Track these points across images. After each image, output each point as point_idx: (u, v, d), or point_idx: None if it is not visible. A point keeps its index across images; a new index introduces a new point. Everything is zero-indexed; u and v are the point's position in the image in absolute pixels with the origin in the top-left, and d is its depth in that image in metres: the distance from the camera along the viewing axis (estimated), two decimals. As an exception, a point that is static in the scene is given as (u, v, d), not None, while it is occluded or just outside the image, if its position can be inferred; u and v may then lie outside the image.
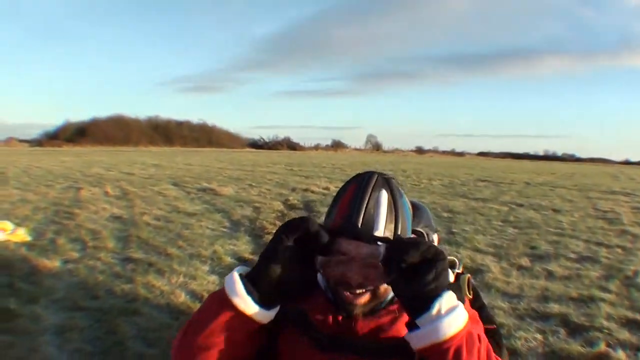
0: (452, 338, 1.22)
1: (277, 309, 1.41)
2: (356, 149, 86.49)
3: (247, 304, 1.34)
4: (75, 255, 6.35)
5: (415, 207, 2.03)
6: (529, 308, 5.05)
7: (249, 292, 1.34)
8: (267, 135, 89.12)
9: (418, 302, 1.26)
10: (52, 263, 5.86)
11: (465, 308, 1.31)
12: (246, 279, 1.37)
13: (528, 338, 4.32)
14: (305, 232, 1.35)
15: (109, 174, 18.12)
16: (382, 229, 1.41)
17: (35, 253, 6.36)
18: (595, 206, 13.27)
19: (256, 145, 78.35)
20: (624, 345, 4.21)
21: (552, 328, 4.57)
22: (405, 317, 1.39)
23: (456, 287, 1.38)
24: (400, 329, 1.43)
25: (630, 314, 4.92)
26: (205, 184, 15.18)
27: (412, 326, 1.28)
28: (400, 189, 1.51)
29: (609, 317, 4.84)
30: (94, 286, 5.11)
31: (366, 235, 1.39)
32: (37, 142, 56.09)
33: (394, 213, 1.45)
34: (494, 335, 1.89)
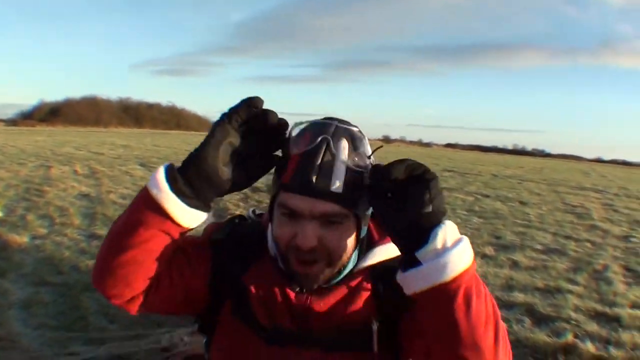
0: (460, 276, 1.03)
1: (207, 213, 1.27)
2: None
3: (177, 205, 1.18)
4: (43, 231, 6.45)
5: None
6: (493, 296, 4.82)
7: (169, 180, 1.18)
8: None
9: (416, 232, 1.06)
10: (22, 239, 5.95)
11: None
12: (176, 170, 1.20)
13: None
14: (252, 115, 1.19)
15: (79, 154, 18.24)
16: (340, 184, 1.18)
17: (6, 229, 6.45)
18: (564, 200, 13.27)
19: None
20: (592, 337, 4.11)
21: (516, 317, 4.46)
22: (364, 295, 1.28)
23: None
24: (364, 311, 1.28)
25: (599, 307, 4.83)
26: None
27: (409, 264, 1.08)
28: (364, 139, 1.26)
29: (577, 309, 4.74)
30: (60, 262, 5.22)
31: (321, 191, 1.17)
32: (12, 122, 55.68)
33: (355, 168, 1.20)
34: None
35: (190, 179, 1.19)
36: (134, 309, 1.29)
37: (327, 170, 1.17)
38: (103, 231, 6.44)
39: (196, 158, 1.19)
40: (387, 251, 1.33)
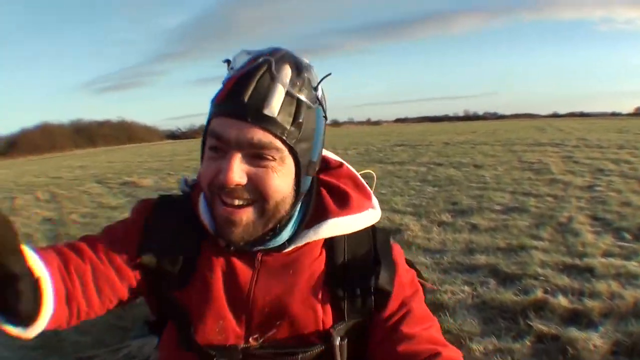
0: None
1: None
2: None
3: None
4: None
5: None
6: (453, 262, 4.90)
7: None
8: (183, 125, 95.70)
9: None
10: None
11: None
12: None
13: (455, 291, 4.15)
14: None
15: (39, 180, 18.83)
16: (277, 109, 1.08)
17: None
18: (521, 159, 13.43)
19: (174, 136, 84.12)
20: (564, 290, 4.03)
21: (480, 279, 4.40)
22: (319, 280, 1.23)
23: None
24: (320, 309, 1.22)
25: (568, 260, 4.77)
26: (126, 178, 15.90)
27: None
28: (312, 69, 1.16)
29: (544, 265, 4.67)
30: None
31: (253, 113, 1.07)
32: None
33: (296, 95, 1.10)
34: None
35: None
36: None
37: (262, 90, 1.08)
38: None
39: None
40: (348, 226, 1.27)
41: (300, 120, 1.10)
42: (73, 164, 27.33)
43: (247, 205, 1.12)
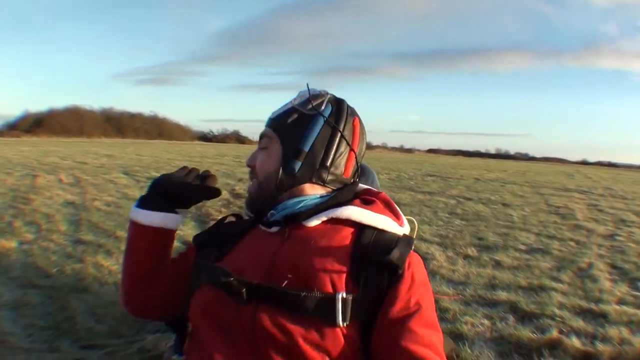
0: None
1: (176, 215, 1.62)
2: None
3: (137, 212, 1.58)
4: (30, 237, 6.67)
5: (362, 167, 1.94)
6: (475, 295, 4.96)
7: (140, 199, 1.61)
8: (216, 128, 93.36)
9: None
10: (9, 244, 6.15)
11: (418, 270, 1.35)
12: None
13: (475, 323, 4.20)
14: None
15: (64, 163, 18.75)
16: (278, 115, 1.51)
17: (-6, 235, 6.78)
18: (548, 202, 13.36)
19: (205, 138, 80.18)
20: (578, 333, 4.10)
21: (500, 314, 4.46)
22: (342, 241, 1.36)
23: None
24: (337, 264, 1.31)
25: (584, 304, 4.83)
26: (154, 173, 15.55)
27: None
28: (325, 98, 1.52)
29: (562, 306, 4.74)
30: (47, 265, 5.36)
31: (268, 119, 1.52)
32: None
33: (298, 109, 1.49)
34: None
35: (148, 195, 1.60)
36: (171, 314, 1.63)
37: (281, 107, 1.50)
38: (88, 237, 6.73)
39: (156, 180, 1.63)
40: (368, 216, 1.41)
41: (294, 124, 1.45)
42: (100, 152, 27.37)
43: (254, 179, 1.51)
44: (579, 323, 4.30)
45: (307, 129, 1.43)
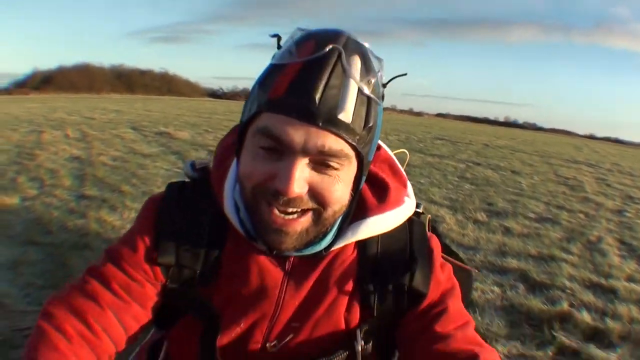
0: None
1: None
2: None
3: None
4: (33, 192, 6.49)
5: None
6: (485, 260, 4.86)
7: None
8: (226, 86, 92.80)
9: None
10: (11, 200, 5.99)
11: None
12: None
13: (485, 290, 4.11)
14: None
15: (71, 118, 18.26)
16: (351, 112, 0.91)
17: (-4, 192, 6.71)
18: (557, 172, 13.20)
19: (215, 95, 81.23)
20: (588, 307, 3.99)
21: (510, 282, 4.36)
22: (345, 263, 1.12)
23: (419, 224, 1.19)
24: (349, 305, 1.12)
25: (594, 278, 4.71)
26: (162, 128, 15.42)
27: None
28: (380, 62, 0.98)
29: (572, 278, 4.62)
30: (49, 222, 5.24)
31: (326, 117, 0.88)
32: (6, 91, 56.51)
33: (367, 93, 0.93)
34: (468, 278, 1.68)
35: None
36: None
37: (335, 88, 0.89)
38: (93, 192, 6.60)
39: None
40: (385, 223, 1.13)
41: (371, 125, 0.95)
42: (108, 107, 26.71)
43: (303, 214, 0.98)
44: (589, 297, 4.19)
45: (377, 131, 1.02)
